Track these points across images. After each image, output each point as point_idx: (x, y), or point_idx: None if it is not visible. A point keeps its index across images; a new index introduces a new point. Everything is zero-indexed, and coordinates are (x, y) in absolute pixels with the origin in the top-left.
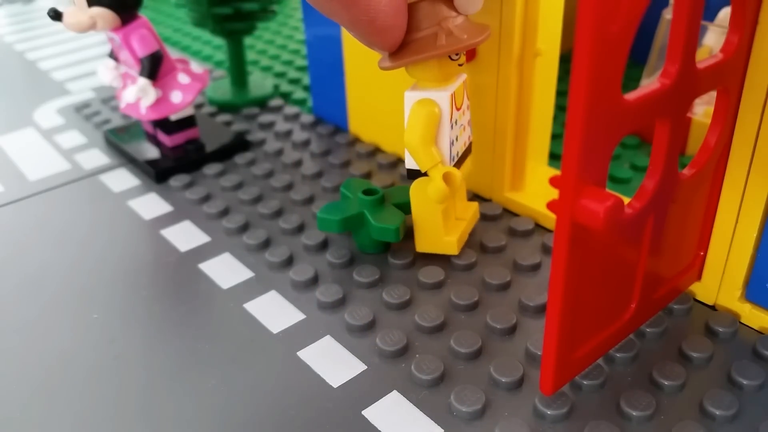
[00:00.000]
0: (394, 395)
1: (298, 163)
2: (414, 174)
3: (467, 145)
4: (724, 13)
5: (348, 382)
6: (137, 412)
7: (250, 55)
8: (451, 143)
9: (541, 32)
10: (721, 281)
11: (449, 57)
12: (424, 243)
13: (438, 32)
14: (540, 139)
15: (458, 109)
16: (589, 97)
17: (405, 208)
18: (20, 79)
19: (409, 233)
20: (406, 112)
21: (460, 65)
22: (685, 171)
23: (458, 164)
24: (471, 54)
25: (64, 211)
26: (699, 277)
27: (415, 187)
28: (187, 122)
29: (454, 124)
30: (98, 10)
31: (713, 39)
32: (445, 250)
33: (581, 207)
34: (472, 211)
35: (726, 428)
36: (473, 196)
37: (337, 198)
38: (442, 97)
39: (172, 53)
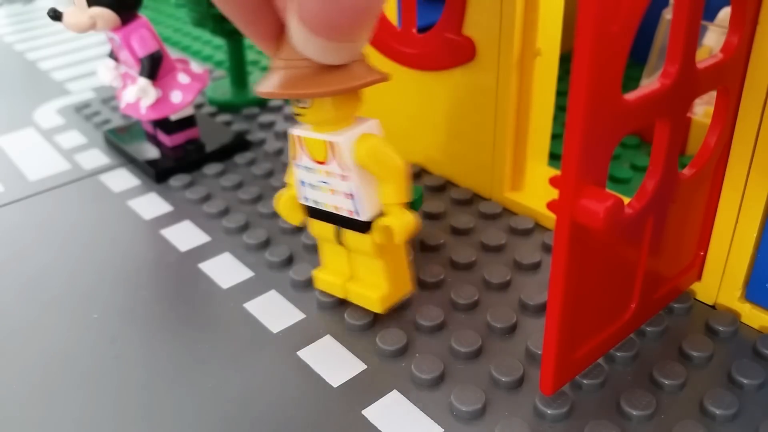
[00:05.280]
0: (394, 395)
1: None
2: None
3: (341, 210)
4: (724, 13)
5: (348, 382)
6: (137, 412)
7: (250, 55)
8: (301, 182)
9: (541, 32)
10: (721, 281)
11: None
12: None
13: None
14: (540, 139)
15: (315, 161)
16: (589, 97)
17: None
18: (20, 79)
19: None
20: None
21: (294, 114)
22: (685, 171)
23: (331, 221)
24: (470, 55)
25: (64, 211)
26: (699, 277)
27: None
28: (187, 122)
29: (304, 170)
30: (98, 10)
31: (713, 39)
32: None
33: (581, 207)
34: (360, 289)
35: (726, 427)
36: (473, 196)
37: None
38: (293, 130)
39: (172, 53)
